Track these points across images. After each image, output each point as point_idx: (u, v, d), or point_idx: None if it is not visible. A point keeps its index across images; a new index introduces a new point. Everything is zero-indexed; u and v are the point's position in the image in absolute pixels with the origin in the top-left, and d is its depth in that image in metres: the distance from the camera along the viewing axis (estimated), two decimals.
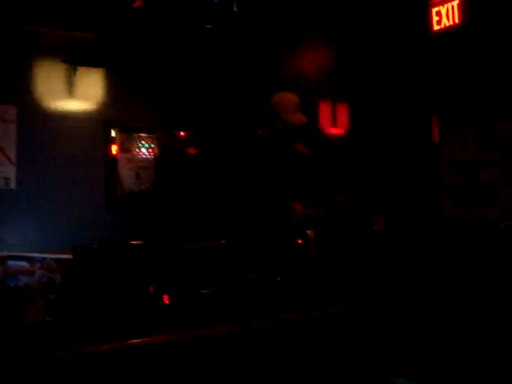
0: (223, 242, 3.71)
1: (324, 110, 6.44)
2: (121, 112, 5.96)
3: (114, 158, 5.86)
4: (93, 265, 3.43)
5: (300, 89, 4.82)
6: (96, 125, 5.89)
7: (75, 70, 5.77)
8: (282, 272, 3.55)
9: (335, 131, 6.50)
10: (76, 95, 5.84)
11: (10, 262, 5.02)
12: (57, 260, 4.74)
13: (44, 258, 4.90)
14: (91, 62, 5.72)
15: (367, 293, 3.61)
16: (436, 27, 5.76)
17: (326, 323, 3.36)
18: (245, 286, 3.51)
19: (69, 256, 4.66)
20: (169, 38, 5.61)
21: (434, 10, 5.77)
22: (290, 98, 4.14)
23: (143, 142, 5.89)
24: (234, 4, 5.09)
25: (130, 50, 5.67)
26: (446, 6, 5.70)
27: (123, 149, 5.81)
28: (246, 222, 3.89)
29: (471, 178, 5.45)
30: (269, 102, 4.18)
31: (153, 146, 5.93)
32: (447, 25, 5.68)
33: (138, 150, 5.84)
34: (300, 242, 3.57)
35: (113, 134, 5.88)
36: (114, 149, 5.82)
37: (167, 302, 3.33)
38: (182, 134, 6.06)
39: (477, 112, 5.43)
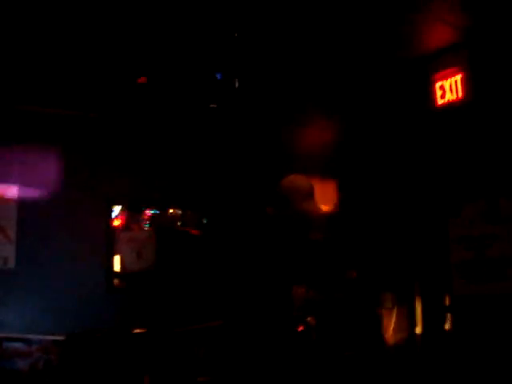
0: (220, 322, 3.59)
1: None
2: (123, 189, 5.89)
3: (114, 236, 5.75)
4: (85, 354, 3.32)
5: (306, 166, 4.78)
6: (97, 202, 5.82)
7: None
8: (283, 361, 3.40)
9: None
10: (77, 171, 5.81)
11: (7, 344, 4.89)
12: (54, 342, 4.61)
13: (41, 340, 4.77)
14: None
15: (371, 380, 3.44)
16: (440, 101, 5.77)
17: None
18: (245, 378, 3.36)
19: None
20: (173, 117, 5.61)
21: (438, 84, 5.78)
22: (301, 184, 4.02)
23: (145, 220, 5.81)
24: (236, 81, 5.09)
25: (133, 128, 5.67)
26: (449, 80, 5.72)
27: (125, 227, 5.72)
28: (246, 305, 3.77)
29: (480, 253, 5.33)
30: (278, 185, 4.09)
31: (155, 224, 5.82)
32: (451, 99, 5.68)
33: (139, 229, 5.74)
34: (301, 328, 3.42)
35: (114, 211, 5.81)
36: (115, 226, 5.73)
37: None
38: (185, 213, 5.97)
39: (484, 187, 5.36)
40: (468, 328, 5.21)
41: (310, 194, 4.01)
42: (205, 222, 5.69)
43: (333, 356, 3.42)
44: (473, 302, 5.27)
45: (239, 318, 3.76)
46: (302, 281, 3.69)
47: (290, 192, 4.00)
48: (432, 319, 5.60)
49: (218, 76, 5.14)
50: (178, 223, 5.84)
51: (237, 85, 5.03)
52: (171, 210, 5.92)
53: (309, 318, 3.44)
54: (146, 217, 5.80)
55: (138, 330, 3.96)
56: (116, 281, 5.68)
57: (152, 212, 5.80)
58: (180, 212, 5.90)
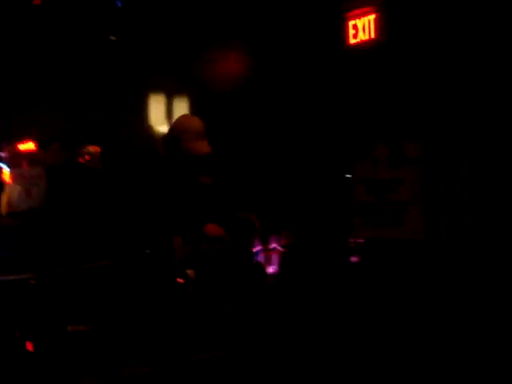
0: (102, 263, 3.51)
1: None
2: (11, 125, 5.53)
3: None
4: None
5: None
6: None
7: None
8: (161, 313, 3.35)
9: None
10: None
11: None
12: None
13: None
14: None
15: (247, 334, 3.45)
16: (352, 41, 5.64)
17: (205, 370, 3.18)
18: (121, 326, 3.30)
19: None
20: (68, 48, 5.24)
21: (351, 23, 5.64)
22: (192, 124, 3.90)
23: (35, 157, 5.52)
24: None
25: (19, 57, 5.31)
26: (362, 19, 5.57)
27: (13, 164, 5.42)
28: (130, 249, 3.68)
29: (381, 197, 5.37)
30: (170, 126, 3.95)
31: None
32: (363, 39, 5.56)
33: (28, 166, 5.46)
34: (180, 281, 3.37)
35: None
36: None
37: (31, 348, 3.08)
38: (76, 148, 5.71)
39: (390, 130, 5.34)
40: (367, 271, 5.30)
41: (201, 134, 3.89)
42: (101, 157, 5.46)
43: (210, 310, 3.40)
44: (373, 245, 5.35)
45: (124, 262, 3.67)
46: (186, 230, 3.61)
47: (180, 132, 3.87)
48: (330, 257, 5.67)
49: (118, 4, 4.83)
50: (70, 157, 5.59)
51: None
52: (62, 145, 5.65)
53: (189, 271, 3.39)
54: (36, 153, 5.54)
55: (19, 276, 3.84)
56: (4, 220, 5.43)
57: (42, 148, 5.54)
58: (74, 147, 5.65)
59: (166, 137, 3.93)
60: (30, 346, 3.06)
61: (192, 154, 3.90)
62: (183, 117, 4.14)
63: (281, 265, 4.43)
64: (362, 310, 4.45)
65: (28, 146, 5.61)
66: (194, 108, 5.30)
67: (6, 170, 5.55)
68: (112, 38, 5.04)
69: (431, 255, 4.74)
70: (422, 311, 4.38)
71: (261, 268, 3.79)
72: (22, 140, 5.58)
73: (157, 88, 5.84)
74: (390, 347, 4.06)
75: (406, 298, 4.56)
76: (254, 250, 4.00)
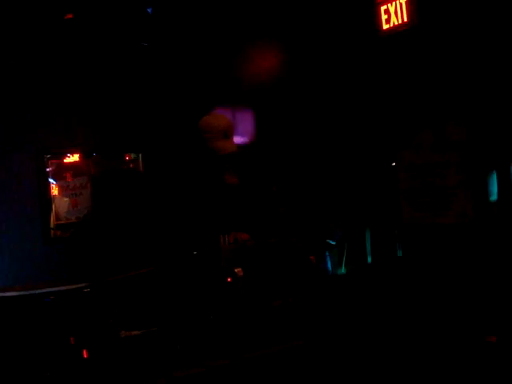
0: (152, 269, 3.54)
1: None
2: (54, 137, 5.59)
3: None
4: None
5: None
6: (28, 152, 5.51)
7: None
8: (214, 312, 3.37)
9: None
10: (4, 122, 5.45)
11: None
12: None
13: None
14: None
15: (301, 329, 3.42)
16: (385, 26, 5.55)
17: (256, 367, 3.17)
18: (176, 326, 3.32)
19: (6, 294, 4.47)
20: (105, 58, 5.27)
21: (383, 8, 5.55)
22: (215, 123, 3.90)
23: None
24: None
25: (60, 72, 5.35)
26: (394, 3, 5.49)
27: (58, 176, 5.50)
28: (175, 253, 3.71)
29: (427, 182, 5.28)
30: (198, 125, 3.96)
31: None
32: (396, 23, 5.47)
33: (73, 177, 5.52)
34: (229, 280, 3.37)
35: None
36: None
37: (86, 355, 3.13)
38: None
39: (430, 114, 5.24)
40: (416, 256, 5.22)
41: (224, 133, 3.87)
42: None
43: (260, 307, 3.39)
44: (421, 230, 5.27)
45: (168, 267, 3.70)
46: (230, 229, 3.61)
47: (204, 131, 3.89)
48: (382, 249, 5.60)
49: (149, 10, 4.85)
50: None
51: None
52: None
53: (236, 270, 3.39)
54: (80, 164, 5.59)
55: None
56: (54, 232, 5.53)
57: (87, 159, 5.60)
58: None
59: (197, 136, 3.94)
60: (85, 353, 3.11)
61: (216, 153, 3.88)
62: (207, 116, 4.13)
63: (330, 258, 4.41)
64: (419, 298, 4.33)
65: (71, 158, 5.69)
66: (233, 108, 5.25)
67: (53, 183, 5.64)
68: (144, 44, 5.06)
69: (481, 237, 4.62)
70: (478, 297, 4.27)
71: (310, 263, 3.76)
72: (66, 153, 5.66)
73: (192, 92, 5.83)
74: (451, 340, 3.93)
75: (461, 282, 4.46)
76: (302, 244, 3.98)
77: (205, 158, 3.82)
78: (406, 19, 5.36)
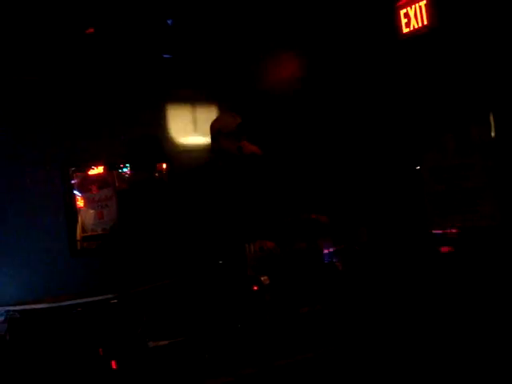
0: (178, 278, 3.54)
1: None
2: (78, 150, 5.65)
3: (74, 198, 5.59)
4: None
5: None
6: (53, 164, 5.55)
7: None
8: (241, 321, 3.36)
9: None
10: (29, 134, 5.51)
11: None
12: (21, 312, 4.58)
13: (8, 311, 4.73)
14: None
15: (329, 337, 3.40)
16: (405, 30, 5.54)
17: (285, 375, 3.16)
18: (203, 336, 3.32)
19: (37, 306, 4.52)
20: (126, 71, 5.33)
21: (402, 11, 5.54)
22: (223, 123, 3.87)
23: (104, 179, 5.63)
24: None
25: (84, 86, 5.42)
26: (413, 6, 5.47)
27: (84, 188, 5.56)
28: (201, 262, 3.71)
29: (453, 185, 5.24)
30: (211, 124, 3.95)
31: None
32: (416, 27, 5.45)
33: (98, 189, 5.58)
34: (255, 288, 3.37)
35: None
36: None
37: (115, 366, 3.14)
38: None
39: (453, 116, 5.21)
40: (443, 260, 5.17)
41: (232, 133, 3.82)
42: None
43: (287, 314, 3.38)
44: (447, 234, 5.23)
45: (194, 277, 3.70)
46: (255, 237, 3.61)
47: (214, 131, 3.88)
48: (407, 253, 5.56)
49: (169, 22, 4.90)
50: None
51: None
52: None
53: (262, 278, 3.38)
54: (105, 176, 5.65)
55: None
56: (80, 244, 5.58)
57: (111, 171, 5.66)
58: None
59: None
60: (113, 364, 3.12)
61: (223, 152, 3.85)
62: (217, 116, 4.10)
63: (358, 263, 4.36)
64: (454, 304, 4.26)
65: (96, 169, 5.74)
66: (255, 113, 5.29)
67: (78, 195, 5.69)
68: (166, 55, 5.12)
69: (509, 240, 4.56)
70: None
71: (335, 269, 3.74)
72: (90, 165, 5.72)
73: (214, 100, 5.89)
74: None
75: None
76: (327, 250, 3.95)
77: (225, 161, 3.80)
78: (426, 22, 5.35)
